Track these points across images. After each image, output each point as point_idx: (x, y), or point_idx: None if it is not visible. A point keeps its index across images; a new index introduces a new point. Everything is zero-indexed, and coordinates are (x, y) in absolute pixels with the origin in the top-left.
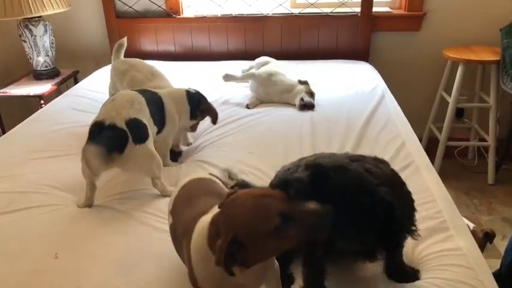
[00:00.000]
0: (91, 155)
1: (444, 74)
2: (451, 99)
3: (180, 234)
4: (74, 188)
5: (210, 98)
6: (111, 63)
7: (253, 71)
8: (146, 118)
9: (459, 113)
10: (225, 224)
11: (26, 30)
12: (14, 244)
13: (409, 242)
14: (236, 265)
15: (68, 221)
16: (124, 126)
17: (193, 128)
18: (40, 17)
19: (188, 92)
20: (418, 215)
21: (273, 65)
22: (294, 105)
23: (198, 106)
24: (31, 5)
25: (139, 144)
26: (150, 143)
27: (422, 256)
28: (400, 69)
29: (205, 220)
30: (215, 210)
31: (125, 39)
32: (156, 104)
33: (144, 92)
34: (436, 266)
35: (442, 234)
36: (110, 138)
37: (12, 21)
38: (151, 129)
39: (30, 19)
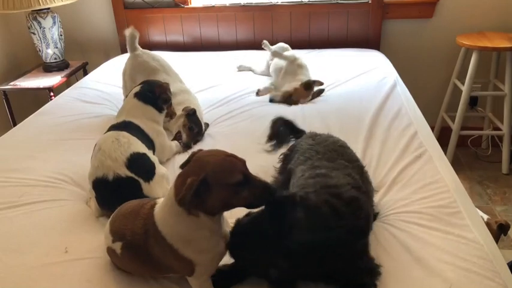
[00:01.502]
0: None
1: (457, 61)
2: (464, 88)
3: (138, 235)
4: (83, 182)
5: (220, 89)
6: (120, 54)
7: (290, 53)
8: (140, 147)
9: (473, 101)
10: (197, 168)
11: (34, 22)
12: (25, 237)
13: (421, 236)
14: (199, 205)
15: (78, 215)
16: (128, 172)
17: (171, 116)
18: (48, 8)
19: (136, 94)
20: (432, 204)
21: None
22: None
23: (154, 97)
24: None
25: (152, 181)
26: (159, 169)
27: (437, 247)
28: (412, 58)
29: (161, 200)
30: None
31: (131, 28)
32: (135, 129)
33: (119, 127)
34: (451, 257)
35: (457, 224)
36: (122, 196)
37: (21, 13)
38: (148, 153)
39: (38, 11)
